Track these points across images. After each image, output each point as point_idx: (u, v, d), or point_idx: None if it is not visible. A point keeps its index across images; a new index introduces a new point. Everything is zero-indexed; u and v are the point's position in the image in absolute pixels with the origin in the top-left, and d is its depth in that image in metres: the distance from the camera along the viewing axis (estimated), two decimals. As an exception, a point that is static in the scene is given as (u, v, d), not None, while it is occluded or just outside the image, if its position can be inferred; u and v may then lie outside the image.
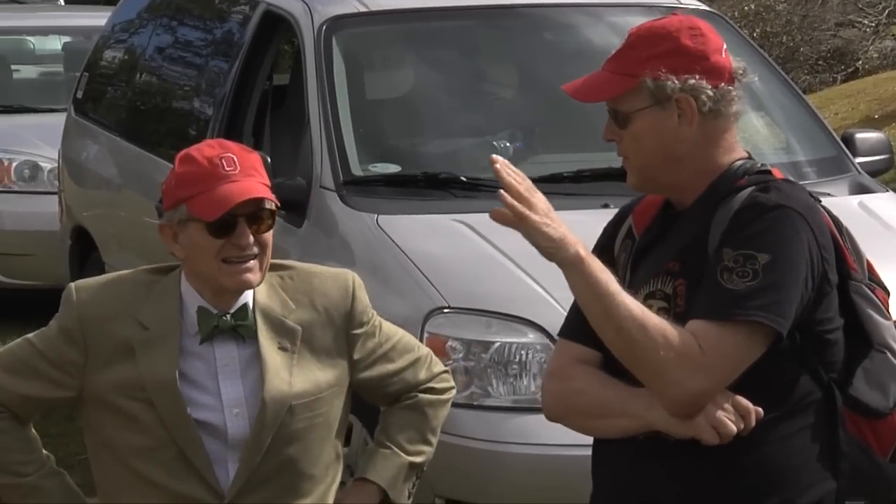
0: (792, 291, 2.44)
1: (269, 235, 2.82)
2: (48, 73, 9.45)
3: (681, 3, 5.64)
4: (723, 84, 2.54)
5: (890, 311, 2.60)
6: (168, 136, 6.16)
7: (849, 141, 5.41)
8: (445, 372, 3.04)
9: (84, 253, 6.62)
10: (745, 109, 2.60)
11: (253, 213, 2.79)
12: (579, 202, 4.82)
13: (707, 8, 5.89)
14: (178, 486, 2.81)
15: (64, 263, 6.80)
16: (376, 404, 3.03)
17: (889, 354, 2.54)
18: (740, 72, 2.57)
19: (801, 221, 2.47)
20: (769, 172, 2.57)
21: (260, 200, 2.80)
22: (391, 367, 2.95)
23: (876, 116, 12.98)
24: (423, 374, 2.99)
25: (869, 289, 2.56)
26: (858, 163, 5.32)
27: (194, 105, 6.04)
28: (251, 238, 2.79)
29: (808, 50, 16.45)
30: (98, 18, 8.24)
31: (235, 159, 2.79)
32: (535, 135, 5.27)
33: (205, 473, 2.81)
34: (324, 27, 5.24)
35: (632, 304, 2.45)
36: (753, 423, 2.45)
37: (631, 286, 2.53)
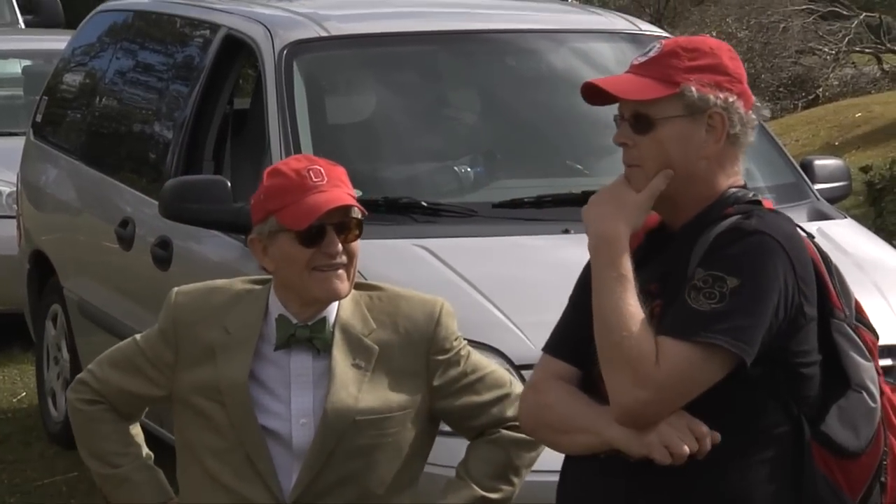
0: (758, 318, 2.42)
1: (356, 245, 2.90)
2: (7, 96, 9.39)
3: (642, 31, 5.66)
4: (748, 111, 2.56)
5: (876, 353, 2.58)
6: (128, 160, 6.13)
7: (808, 167, 5.42)
8: None
9: (42, 277, 6.57)
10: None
11: (341, 222, 2.88)
12: (540, 227, 4.82)
13: (668, 35, 5.92)
14: (243, 489, 2.88)
15: (22, 287, 6.75)
16: (462, 436, 3.03)
17: (865, 395, 2.51)
18: (758, 104, 2.59)
19: (778, 250, 2.46)
20: (759, 203, 2.56)
21: (348, 209, 2.88)
22: (476, 399, 2.96)
23: (836, 143, 13.07)
24: (510, 412, 2.97)
25: (852, 328, 2.53)
26: (817, 189, 5.33)
27: (154, 129, 6.01)
28: (340, 246, 2.86)
29: (769, 77, 16.56)
30: (58, 42, 8.20)
31: (322, 171, 2.89)
32: (497, 160, 5.27)
33: (267, 479, 2.88)
34: (284, 52, 5.22)
35: (631, 299, 2.45)
36: (708, 446, 2.44)
37: None
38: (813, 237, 2.59)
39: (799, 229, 2.59)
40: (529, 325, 4.32)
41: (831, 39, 17.24)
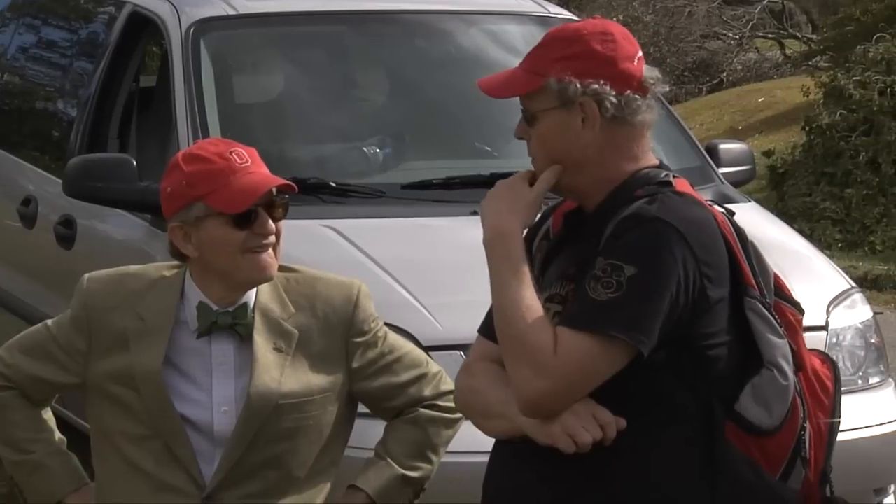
0: (655, 307, 2.42)
1: (281, 225, 2.89)
2: None
3: (550, 13, 5.68)
4: (629, 92, 2.52)
5: (800, 328, 2.58)
6: (31, 137, 6.05)
7: (712, 151, 5.48)
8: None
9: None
10: (655, 119, 2.56)
11: (269, 201, 2.86)
12: (448, 209, 4.83)
13: (575, 18, 5.95)
14: (163, 475, 2.86)
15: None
16: (380, 417, 3.02)
17: (776, 373, 2.51)
18: (651, 81, 2.55)
19: (677, 237, 2.45)
20: (669, 184, 2.54)
21: (272, 189, 2.85)
22: (394, 379, 2.96)
23: (740, 127, 13.23)
24: (427, 391, 2.98)
25: (767, 307, 2.53)
26: (722, 173, 5.39)
27: (58, 106, 5.94)
28: (272, 225, 2.85)
29: (674, 61, 16.72)
30: (-41, 16, 8.05)
31: (244, 153, 2.86)
32: (405, 141, 5.26)
33: (188, 465, 2.86)
34: (191, 29, 5.18)
35: (527, 292, 2.46)
36: (613, 434, 2.45)
37: (539, 288, 2.54)
38: (732, 214, 2.57)
39: (717, 207, 2.58)
40: (437, 307, 4.33)
41: (735, 24, 17.44)
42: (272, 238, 2.86)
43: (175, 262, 2.97)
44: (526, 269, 2.49)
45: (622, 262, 2.43)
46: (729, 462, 2.49)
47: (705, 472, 2.49)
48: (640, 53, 2.58)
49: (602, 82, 2.51)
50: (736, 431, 2.50)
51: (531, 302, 2.46)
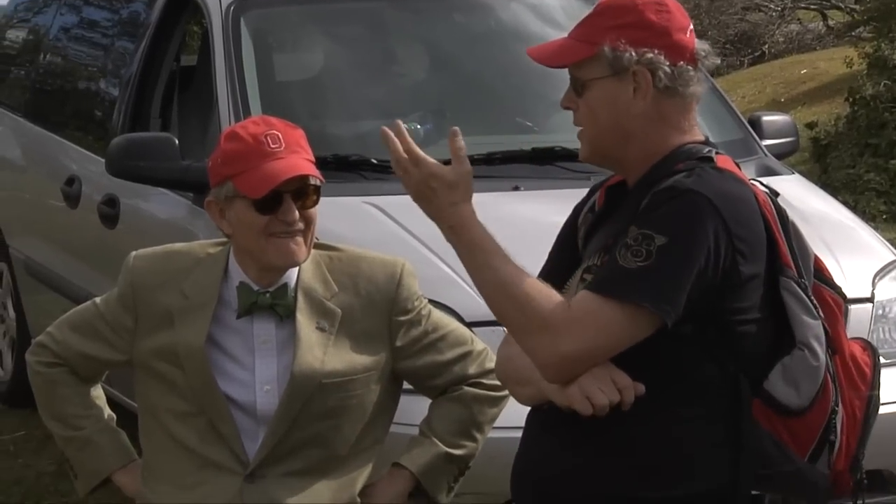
0: (682, 277, 2.41)
1: (314, 211, 2.87)
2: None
3: (590, -14, 5.65)
4: (682, 63, 2.51)
5: (840, 312, 2.57)
6: (73, 117, 6.08)
7: (755, 124, 5.45)
8: None
9: (-13, 236, 6.51)
10: (702, 93, 2.56)
11: (298, 188, 2.84)
12: (490, 184, 4.82)
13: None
14: (207, 452, 2.88)
15: (-33, 247, 6.68)
16: (424, 395, 3.01)
17: (808, 353, 2.50)
18: (703, 54, 2.54)
19: (710, 209, 2.44)
20: (710, 160, 2.53)
21: (305, 177, 2.84)
22: (438, 358, 2.95)
23: (782, 100, 13.14)
24: (472, 369, 2.98)
25: (801, 287, 2.51)
26: (765, 145, 5.36)
27: (100, 86, 5.96)
28: (297, 213, 2.83)
29: (715, 34, 16.60)
30: (1, -3, 8.10)
31: (280, 136, 2.84)
32: (446, 117, 5.25)
33: (232, 443, 2.87)
34: (232, 7, 5.19)
35: (510, 266, 2.45)
36: (631, 398, 2.44)
37: (582, 260, 2.53)
38: (777, 195, 2.56)
39: (760, 186, 2.57)
40: (479, 282, 4.33)
41: (777, -4, 17.30)
42: (298, 225, 2.84)
43: (220, 240, 2.97)
44: (498, 244, 2.47)
45: (653, 232, 2.42)
46: (754, 439, 2.47)
47: (730, 448, 2.48)
48: (692, 26, 2.56)
49: (656, 52, 2.50)
50: (763, 410, 2.48)
51: (519, 271, 2.45)
